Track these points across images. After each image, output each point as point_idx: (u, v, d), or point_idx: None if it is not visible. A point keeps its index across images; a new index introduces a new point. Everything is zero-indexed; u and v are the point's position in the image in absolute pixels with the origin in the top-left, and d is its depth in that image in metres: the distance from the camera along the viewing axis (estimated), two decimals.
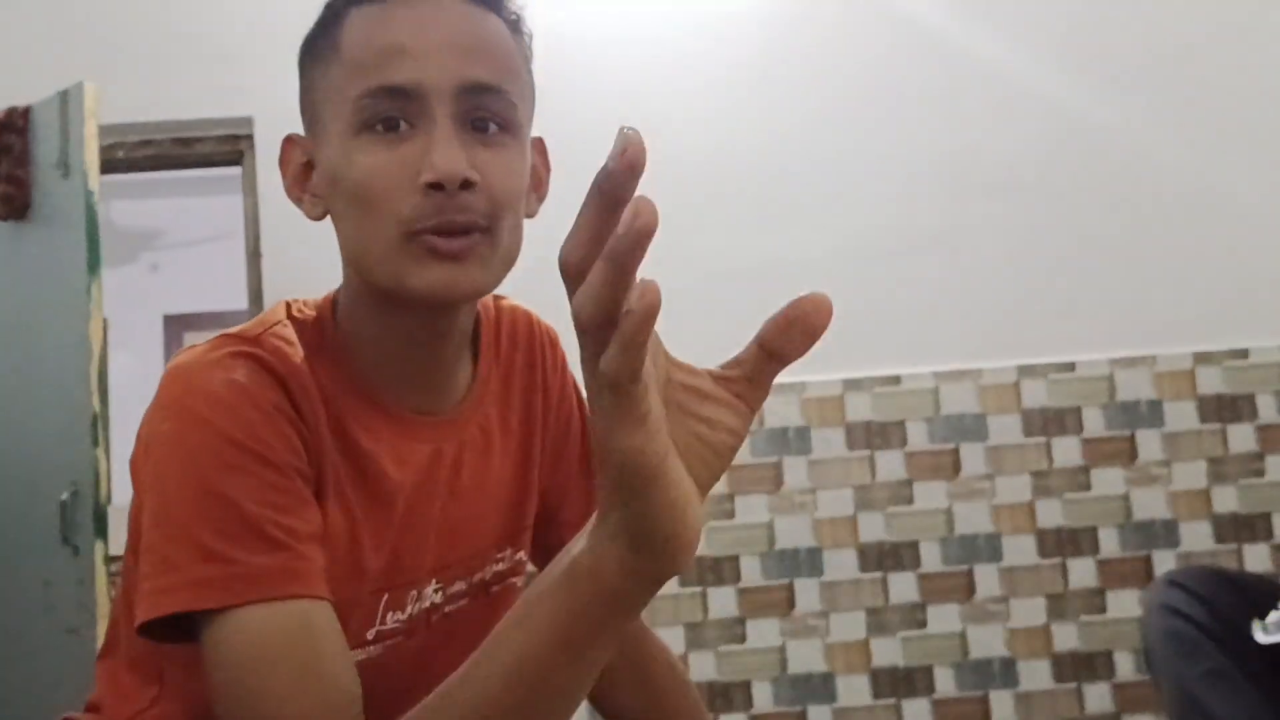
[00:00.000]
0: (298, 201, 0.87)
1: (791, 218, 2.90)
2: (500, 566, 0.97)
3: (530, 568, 1.05)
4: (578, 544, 0.56)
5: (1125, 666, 2.74)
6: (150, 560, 0.74)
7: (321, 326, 0.87)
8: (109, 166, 2.83)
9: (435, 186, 0.77)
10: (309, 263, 2.77)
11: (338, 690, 0.71)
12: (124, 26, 2.90)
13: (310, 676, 0.70)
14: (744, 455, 2.77)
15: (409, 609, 0.88)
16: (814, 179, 2.91)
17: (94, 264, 2.59)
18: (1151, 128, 2.94)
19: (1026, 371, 2.84)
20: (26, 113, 2.74)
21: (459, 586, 0.92)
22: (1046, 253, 2.90)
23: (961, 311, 2.87)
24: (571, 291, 0.47)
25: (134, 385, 5.16)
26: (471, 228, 0.79)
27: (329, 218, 0.86)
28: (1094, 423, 2.82)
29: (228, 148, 2.94)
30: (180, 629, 0.73)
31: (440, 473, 0.89)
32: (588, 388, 0.49)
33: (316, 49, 0.85)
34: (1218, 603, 1.62)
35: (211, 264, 5.16)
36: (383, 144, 0.79)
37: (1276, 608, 1.58)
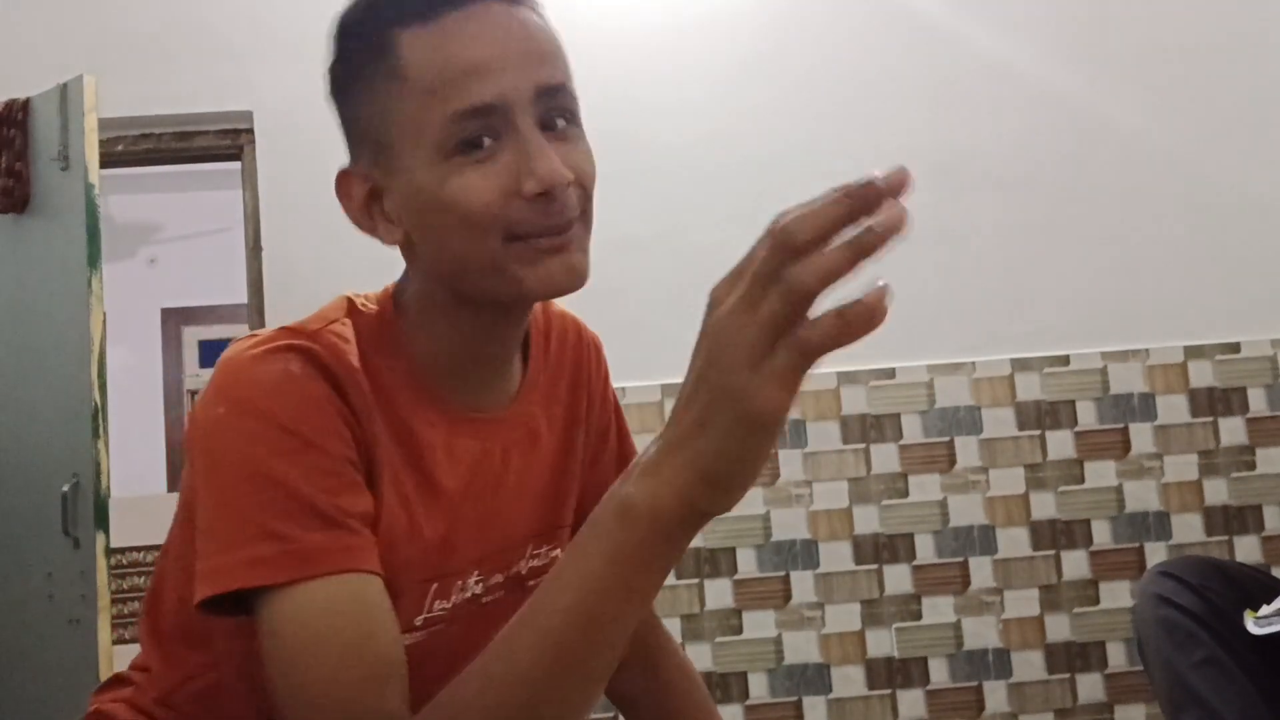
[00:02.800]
0: (370, 231, 0.87)
1: None
2: (536, 562, 0.99)
3: None
4: (625, 487, 0.61)
5: (1118, 657, 2.76)
6: (208, 540, 0.77)
7: (382, 322, 0.89)
8: (108, 160, 2.84)
9: (542, 195, 0.79)
10: (309, 256, 2.80)
11: (389, 664, 0.74)
12: (124, 20, 2.90)
13: (364, 650, 0.73)
14: None
15: (453, 598, 0.90)
16: (808, 172, 2.91)
17: (94, 257, 2.60)
18: (1144, 123, 2.96)
19: (1020, 365, 2.86)
20: (26, 105, 2.75)
21: (497, 579, 0.95)
22: (1040, 247, 2.91)
23: (956, 305, 2.89)
24: (783, 259, 0.53)
25: (132, 378, 5.20)
26: (573, 221, 0.82)
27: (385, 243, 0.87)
28: (1087, 416, 2.84)
29: (227, 142, 2.95)
30: (235, 604, 0.76)
31: (488, 469, 0.92)
32: (748, 339, 0.55)
33: (366, 77, 0.83)
34: (1210, 592, 1.64)
35: (209, 258, 5.17)
36: (475, 163, 0.80)
37: (1269, 600, 1.60)
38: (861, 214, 0.52)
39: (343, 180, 0.87)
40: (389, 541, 0.82)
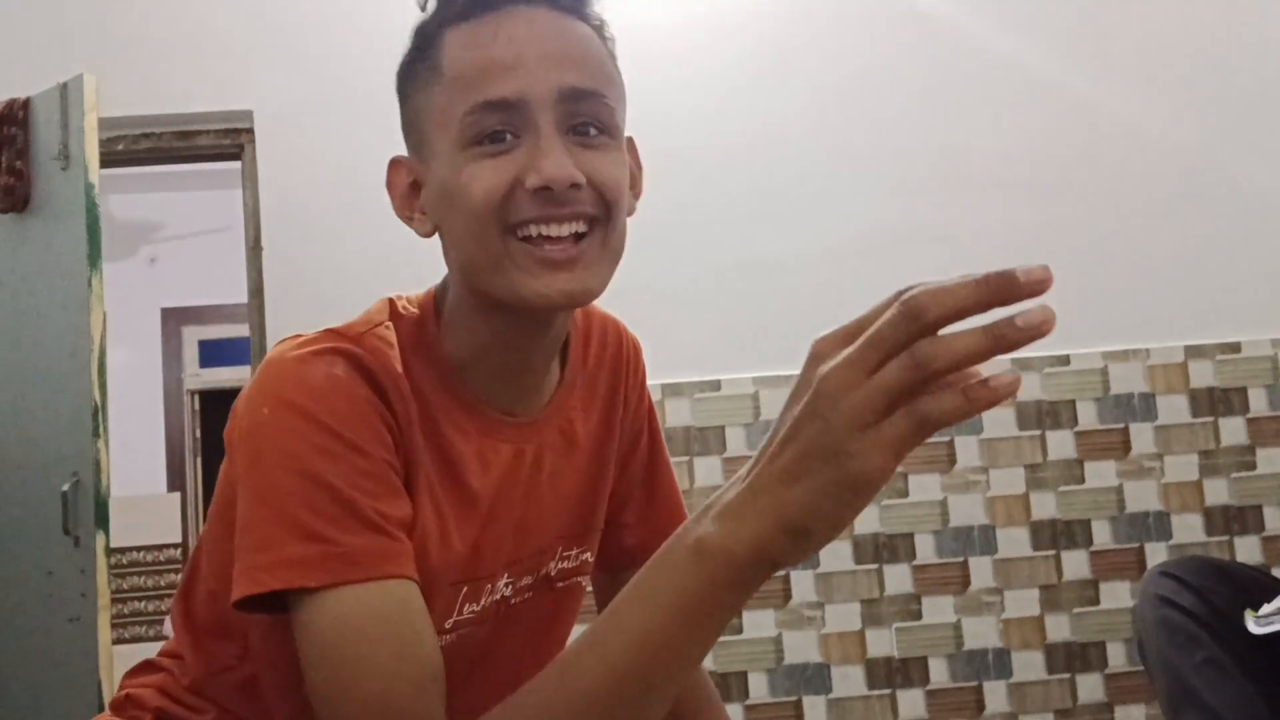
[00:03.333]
0: (408, 221, 0.89)
1: (789, 211, 2.91)
2: (566, 564, 0.99)
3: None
4: (700, 526, 0.60)
5: (1118, 657, 2.76)
6: (249, 538, 0.77)
7: (423, 324, 0.89)
8: (109, 159, 2.84)
9: (543, 190, 0.79)
10: (309, 256, 2.80)
11: (429, 669, 0.74)
12: (124, 19, 2.90)
13: (405, 655, 0.73)
14: (739, 449, 2.79)
15: (483, 601, 0.90)
16: (811, 173, 2.92)
17: (94, 256, 2.60)
18: (1146, 123, 2.96)
19: (1021, 365, 2.85)
20: (27, 105, 2.75)
21: (526, 580, 0.95)
22: (1041, 247, 2.91)
23: None
24: (910, 330, 0.53)
25: (132, 378, 5.20)
26: (581, 219, 0.81)
27: (432, 236, 0.88)
28: (1087, 416, 2.84)
29: (228, 141, 2.95)
30: (272, 602, 0.76)
31: (520, 473, 0.92)
32: (860, 401, 0.53)
33: (416, 73, 0.87)
34: (1211, 592, 1.63)
35: (209, 257, 5.17)
36: (490, 156, 0.81)
37: (1270, 600, 1.59)
38: (995, 304, 0.52)
39: (392, 168, 0.90)
40: (421, 548, 0.82)
